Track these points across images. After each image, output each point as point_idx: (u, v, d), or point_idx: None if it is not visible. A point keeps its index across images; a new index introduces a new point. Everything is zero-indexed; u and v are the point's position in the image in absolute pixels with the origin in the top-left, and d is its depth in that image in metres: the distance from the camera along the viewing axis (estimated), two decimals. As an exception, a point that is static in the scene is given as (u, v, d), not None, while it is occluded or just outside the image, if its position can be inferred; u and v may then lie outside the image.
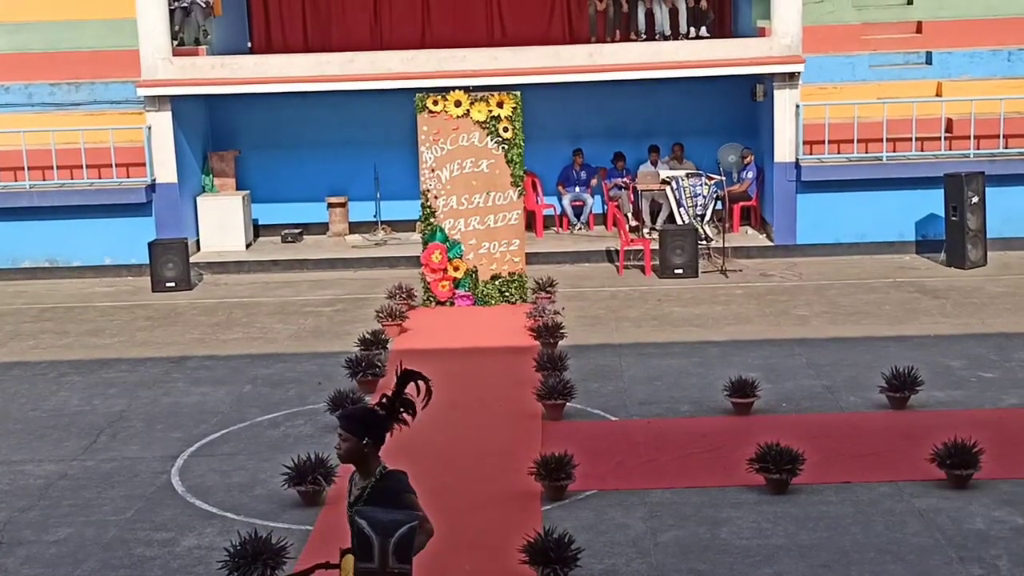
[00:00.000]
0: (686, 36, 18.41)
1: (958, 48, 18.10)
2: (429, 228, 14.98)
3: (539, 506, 8.59)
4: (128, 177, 17.47)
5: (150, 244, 16.52)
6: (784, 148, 17.20)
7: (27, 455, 10.15)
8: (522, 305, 14.75)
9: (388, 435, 5.43)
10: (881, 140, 17.02)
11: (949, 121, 17.16)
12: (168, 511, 8.82)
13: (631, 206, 18.40)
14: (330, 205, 19.05)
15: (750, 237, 18.14)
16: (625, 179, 18.67)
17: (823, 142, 17.10)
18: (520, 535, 7.62)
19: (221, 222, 18.22)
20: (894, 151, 17.13)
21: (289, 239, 18.72)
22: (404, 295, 14.56)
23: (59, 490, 9.32)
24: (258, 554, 7.39)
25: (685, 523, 8.27)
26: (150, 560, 8.02)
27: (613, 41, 18.56)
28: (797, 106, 17.10)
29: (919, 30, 18.60)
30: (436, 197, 14.90)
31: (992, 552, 7.70)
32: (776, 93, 17.18)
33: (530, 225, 18.07)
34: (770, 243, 17.61)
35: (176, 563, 7.95)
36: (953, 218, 16.15)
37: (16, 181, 17.42)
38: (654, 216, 18.06)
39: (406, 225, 18.54)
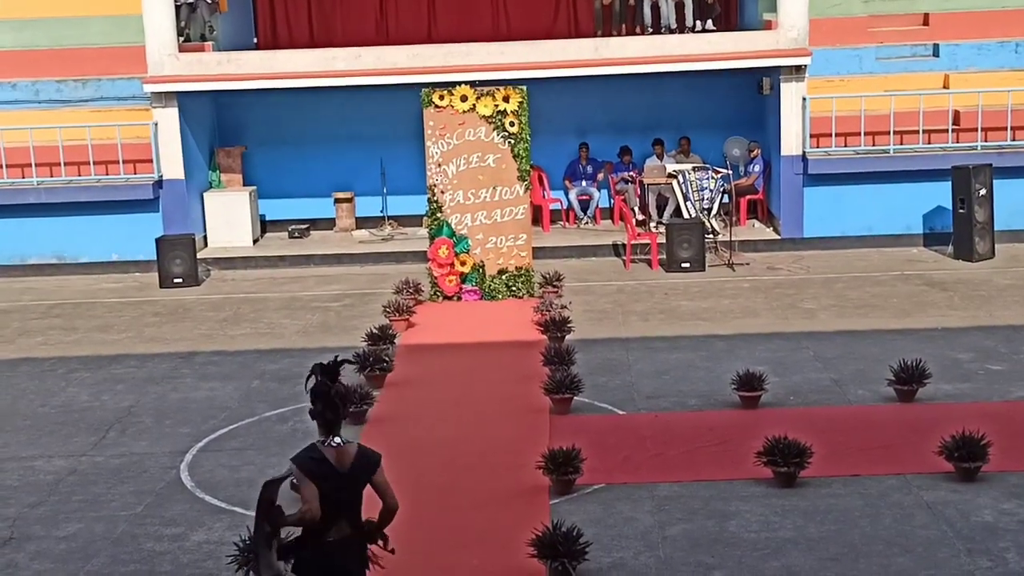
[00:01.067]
0: (692, 29, 18.39)
1: (965, 40, 18.04)
2: (436, 223, 14.99)
3: (547, 500, 8.60)
4: (135, 173, 17.50)
5: (157, 240, 16.55)
6: (791, 141, 17.19)
7: (36, 451, 10.18)
8: (529, 299, 14.75)
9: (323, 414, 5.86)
10: (888, 133, 16.99)
11: (956, 113, 17.13)
12: (177, 506, 8.85)
13: (638, 200, 18.39)
14: (337, 200, 19.07)
15: (757, 231, 18.12)
16: (631, 173, 18.67)
17: (830, 135, 17.08)
18: (528, 529, 7.63)
19: (228, 218, 18.25)
20: (901, 144, 17.10)
21: (296, 235, 18.74)
22: (411, 290, 14.57)
23: (68, 486, 9.36)
24: (267, 549, 7.41)
25: (693, 516, 8.28)
26: (160, 555, 8.04)
27: (619, 35, 18.54)
28: (804, 99, 17.07)
29: (926, 22, 18.55)
30: (443, 192, 14.91)
31: (1000, 545, 7.70)
32: (783, 86, 17.16)
33: (536, 219, 18.06)
34: (777, 236, 17.60)
35: (186, 558, 7.98)
36: (960, 210, 16.11)
37: (24, 178, 17.46)
38: (660, 210, 18.06)
39: (413, 220, 18.54)
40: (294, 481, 5.92)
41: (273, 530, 5.74)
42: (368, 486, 5.88)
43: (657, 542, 7.91)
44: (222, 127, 19.30)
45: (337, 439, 5.83)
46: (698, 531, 8.04)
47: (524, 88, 14.95)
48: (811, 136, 17.11)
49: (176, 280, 16.33)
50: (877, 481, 8.74)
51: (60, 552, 8.16)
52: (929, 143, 17.08)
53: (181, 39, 17.83)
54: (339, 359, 5.98)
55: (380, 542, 5.95)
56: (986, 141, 16.95)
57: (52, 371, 12.60)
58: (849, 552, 7.67)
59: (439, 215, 14.96)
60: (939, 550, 7.65)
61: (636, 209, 18.14)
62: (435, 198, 14.95)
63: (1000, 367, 11.46)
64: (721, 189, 17.24)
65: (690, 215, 17.10)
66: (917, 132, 16.98)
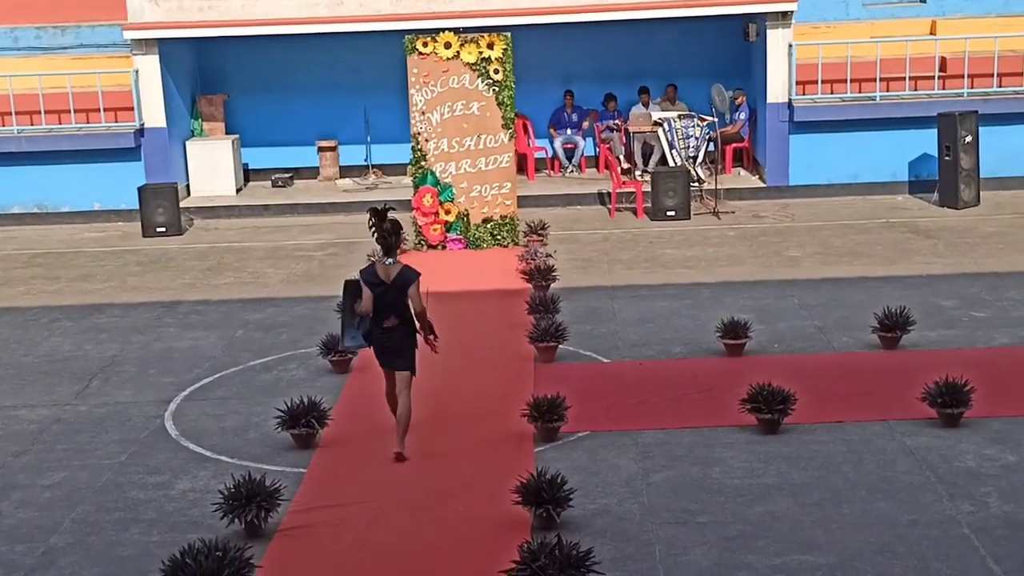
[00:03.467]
0: (678, -25, 18.22)
1: (953, -14, 17.95)
2: (420, 171, 14.91)
3: (532, 447, 8.62)
4: (116, 121, 17.35)
5: (140, 189, 16.44)
6: (777, 88, 17.11)
7: (20, 400, 10.16)
8: (514, 248, 14.72)
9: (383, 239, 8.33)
10: (874, 80, 16.92)
11: (943, 60, 17.06)
12: (162, 455, 8.84)
13: (623, 148, 18.31)
14: (320, 149, 18.94)
15: (742, 179, 18.08)
16: (617, 121, 18.57)
17: (816, 82, 17.00)
18: (513, 476, 7.66)
19: (211, 166, 18.12)
20: (887, 91, 17.04)
21: (279, 183, 18.62)
22: (396, 239, 14.50)
23: (52, 434, 9.34)
24: (252, 496, 7.42)
25: (677, 463, 8.31)
26: (144, 503, 8.04)
27: (604, -19, 18.37)
28: (790, 46, 16.98)
29: (913, -33, 18.43)
30: (427, 140, 14.82)
31: (982, 489, 7.75)
32: (769, 33, 17.04)
33: (521, 168, 17.97)
34: (762, 184, 17.57)
35: (171, 506, 7.98)
36: (946, 158, 16.09)
37: (4, 126, 17.29)
38: (646, 158, 17.99)
39: (397, 169, 18.45)
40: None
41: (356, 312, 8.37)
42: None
43: (641, 489, 7.94)
44: (204, 75, 19.11)
45: (389, 259, 8.32)
46: (682, 478, 8.08)
47: (509, 35, 14.81)
48: (797, 83, 17.04)
49: (159, 229, 16.25)
50: (860, 427, 8.78)
51: (44, 500, 8.15)
52: (915, 90, 17.03)
53: (161, -15, 17.61)
54: (387, 205, 8.46)
55: (422, 333, 8.44)
56: (972, 88, 16.90)
57: (35, 320, 12.55)
58: (832, 497, 7.72)
59: (423, 163, 14.87)
60: (922, 495, 7.70)
61: (621, 157, 18.06)
62: (419, 146, 14.85)
63: (984, 314, 11.50)
64: (707, 137, 17.18)
65: (675, 163, 17.05)
66: (903, 79, 16.92)
